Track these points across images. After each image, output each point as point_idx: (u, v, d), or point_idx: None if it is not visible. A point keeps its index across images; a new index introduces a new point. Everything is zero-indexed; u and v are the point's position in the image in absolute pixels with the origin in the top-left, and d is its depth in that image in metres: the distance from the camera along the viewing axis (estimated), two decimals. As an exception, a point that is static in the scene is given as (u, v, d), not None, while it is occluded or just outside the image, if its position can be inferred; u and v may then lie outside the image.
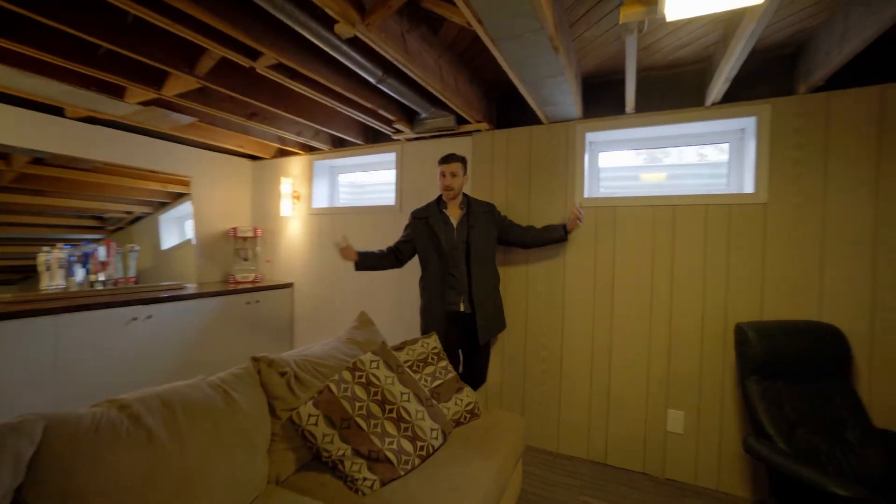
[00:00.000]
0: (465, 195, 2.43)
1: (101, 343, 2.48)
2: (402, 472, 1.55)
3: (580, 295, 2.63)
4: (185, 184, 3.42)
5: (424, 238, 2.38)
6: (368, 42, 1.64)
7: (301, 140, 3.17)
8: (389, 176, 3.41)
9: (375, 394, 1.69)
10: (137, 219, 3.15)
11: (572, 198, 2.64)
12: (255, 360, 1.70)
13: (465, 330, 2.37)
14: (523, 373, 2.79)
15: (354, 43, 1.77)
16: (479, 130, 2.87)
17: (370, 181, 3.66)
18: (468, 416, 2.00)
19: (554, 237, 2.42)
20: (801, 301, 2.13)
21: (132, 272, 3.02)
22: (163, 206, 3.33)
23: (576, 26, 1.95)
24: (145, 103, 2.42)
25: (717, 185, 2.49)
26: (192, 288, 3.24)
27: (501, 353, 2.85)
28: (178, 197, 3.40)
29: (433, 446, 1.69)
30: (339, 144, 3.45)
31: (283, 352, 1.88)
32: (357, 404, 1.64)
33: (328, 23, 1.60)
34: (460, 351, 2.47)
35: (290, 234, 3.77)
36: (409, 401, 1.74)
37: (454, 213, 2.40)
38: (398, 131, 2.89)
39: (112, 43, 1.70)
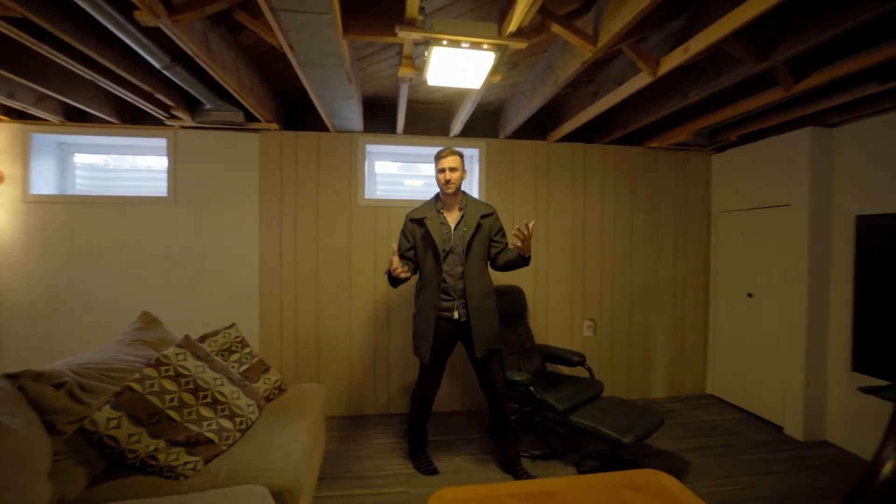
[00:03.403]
0: (464, 194, 2.31)
1: None
2: (225, 447, 1.68)
3: (364, 281, 3.17)
4: None
5: (421, 240, 2.25)
6: (168, 34, 1.64)
7: (15, 104, 2.45)
8: (154, 162, 3.04)
9: (187, 383, 1.73)
10: None
11: (355, 198, 3.13)
12: (12, 377, 1.45)
13: (459, 339, 2.28)
14: (317, 354, 3.12)
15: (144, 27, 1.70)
16: (267, 129, 2.98)
17: (126, 166, 3.12)
18: (276, 392, 2.22)
19: (515, 258, 2.21)
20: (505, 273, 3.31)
21: None
22: None
23: (363, 61, 2.43)
24: None
25: (458, 194, 3.49)
26: None
27: (294, 340, 3.09)
28: None
29: (251, 419, 1.87)
30: (77, 118, 2.81)
31: None
32: (168, 397, 1.65)
33: (122, 4, 1.52)
34: (445, 360, 2.34)
35: (-16, 227, 2.80)
36: (223, 384, 1.84)
37: (452, 214, 2.27)
38: (174, 117, 2.67)
39: None
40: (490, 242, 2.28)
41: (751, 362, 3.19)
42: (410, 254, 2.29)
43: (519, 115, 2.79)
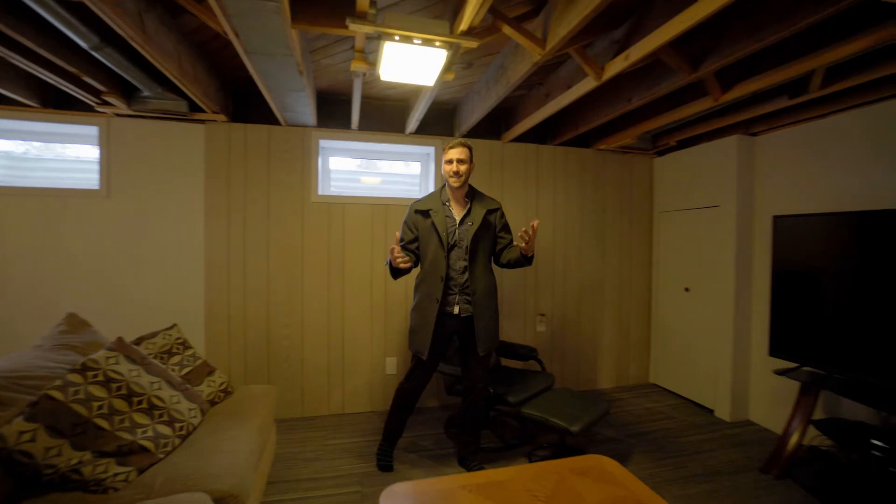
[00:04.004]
0: (471, 187, 2.26)
1: None
2: (163, 455, 1.59)
3: (317, 278, 3.09)
4: None
5: (425, 233, 2.18)
6: (96, 11, 1.52)
7: None
8: (87, 152, 2.79)
9: (119, 389, 1.61)
10: None
11: (308, 194, 3.05)
12: None
13: (458, 336, 2.23)
14: (267, 355, 3.01)
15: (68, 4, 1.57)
16: (214, 121, 2.83)
17: (51, 156, 2.85)
18: (222, 394, 2.12)
19: (518, 257, 2.18)
20: (459, 270, 3.35)
21: None
22: None
23: (316, 53, 2.37)
24: None
25: (414, 191, 3.48)
26: None
27: (243, 341, 2.96)
28: None
29: (193, 424, 1.78)
30: (-13, 100, 2.53)
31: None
32: (95, 404, 1.53)
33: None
34: (441, 355, 2.28)
35: None
36: (161, 388, 1.74)
37: (457, 208, 2.21)
38: (106, 103, 2.47)
39: None
40: (495, 238, 2.25)
41: (687, 352, 3.44)
42: (413, 245, 2.23)
43: (474, 114, 2.84)
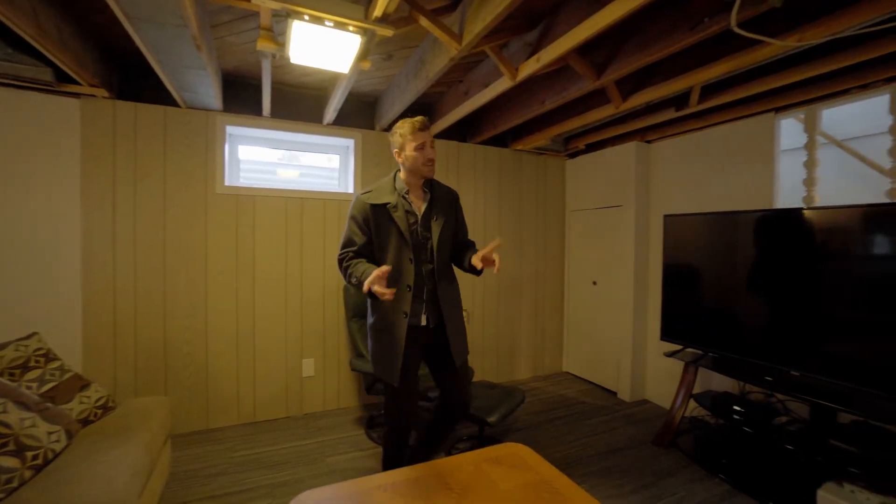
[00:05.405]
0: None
1: None
2: (3, 494, 1.32)
3: (223, 277, 2.82)
4: None
5: (382, 232, 1.73)
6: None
7: None
8: None
9: (-54, 414, 1.31)
10: None
11: (212, 185, 2.77)
12: None
13: (427, 348, 1.83)
14: (164, 364, 2.68)
15: None
16: (93, 96, 2.45)
17: None
18: (100, 411, 1.85)
19: (468, 268, 1.82)
20: (381, 266, 3.28)
21: None
22: None
23: (219, 29, 2.15)
24: None
25: (332, 185, 3.34)
26: None
27: (133, 349, 2.61)
28: None
29: (54, 450, 1.51)
30: None
31: None
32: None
33: None
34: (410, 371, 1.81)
35: None
36: (6, 412, 1.45)
37: (418, 201, 1.79)
38: (-64, 64, 2.01)
39: None
40: (456, 233, 1.89)
41: (595, 341, 3.72)
42: (367, 249, 1.76)
43: (394, 107, 2.79)
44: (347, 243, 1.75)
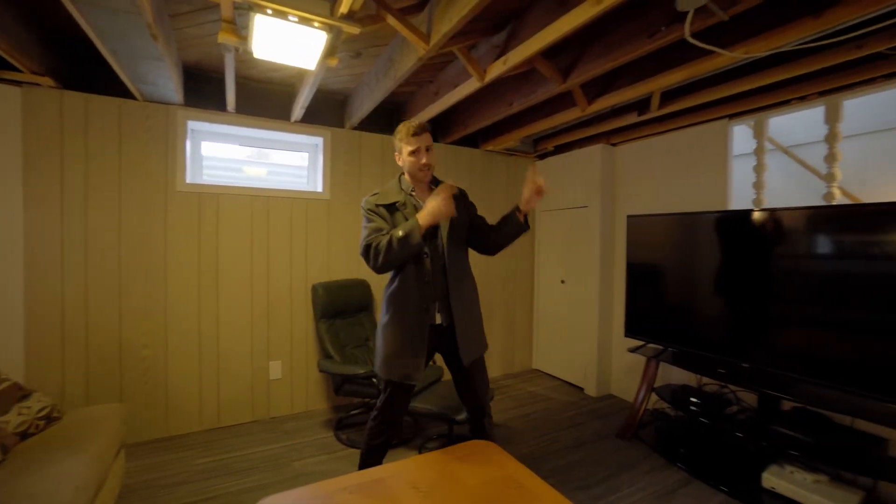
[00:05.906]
0: (433, 176, 1.85)
1: None
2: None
3: (184, 277, 2.71)
4: None
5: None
6: None
7: None
8: None
9: None
10: None
11: (172, 182, 2.66)
12: None
13: (440, 348, 1.86)
14: (119, 369, 2.55)
15: None
16: (36, 84, 2.30)
17: None
18: (43, 422, 1.74)
19: (515, 230, 1.86)
20: (350, 266, 3.24)
21: None
22: None
23: (178, 19, 2.07)
24: None
25: (301, 183, 3.27)
26: None
27: (84, 355, 2.47)
28: None
29: (-11, 465, 1.41)
30: None
31: None
32: None
33: None
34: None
35: None
36: (-59, 422, 1.34)
37: (424, 198, 1.78)
38: None
39: None
40: (471, 227, 1.90)
41: (563, 338, 3.81)
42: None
43: (364, 106, 2.76)
44: (375, 231, 1.71)
